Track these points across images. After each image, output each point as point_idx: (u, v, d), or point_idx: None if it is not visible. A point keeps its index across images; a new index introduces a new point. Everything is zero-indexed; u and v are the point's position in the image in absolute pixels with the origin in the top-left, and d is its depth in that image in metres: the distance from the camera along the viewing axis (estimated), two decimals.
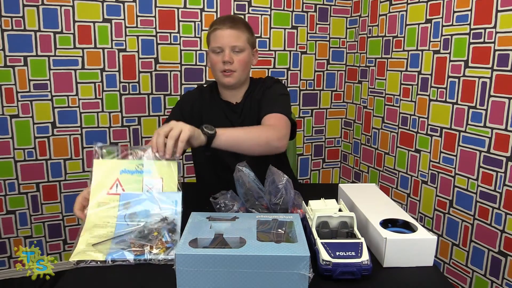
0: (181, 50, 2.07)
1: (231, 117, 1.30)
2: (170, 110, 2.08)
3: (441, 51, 1.71)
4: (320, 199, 0.91)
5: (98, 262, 0.76)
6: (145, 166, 0.89)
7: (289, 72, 2.29)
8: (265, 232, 0.76)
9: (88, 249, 0.79)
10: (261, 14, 2.16)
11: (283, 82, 1.53)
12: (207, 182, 1.37)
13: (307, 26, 2.27)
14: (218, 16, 2.08)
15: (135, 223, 0.83)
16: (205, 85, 1.42)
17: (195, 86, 2.19)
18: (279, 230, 0.77)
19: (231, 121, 1.30)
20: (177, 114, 1.32)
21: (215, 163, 1.32)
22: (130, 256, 0.77)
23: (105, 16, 1.91)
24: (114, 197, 0.86)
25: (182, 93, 2.10)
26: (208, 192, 0.99)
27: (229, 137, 1.01)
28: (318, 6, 2.27)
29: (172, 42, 2.04)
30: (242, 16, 2.11)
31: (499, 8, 1.46)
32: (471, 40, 1.57)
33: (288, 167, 1.44)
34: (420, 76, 1.84)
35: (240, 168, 0.93)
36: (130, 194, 0.87)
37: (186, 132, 0.89)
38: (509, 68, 1.44)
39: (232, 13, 2.10)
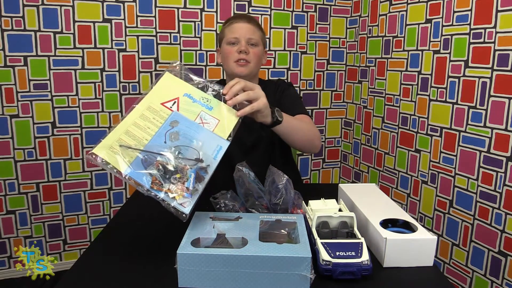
0: (181, 50, 2.07)
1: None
2: None
3: (441, 51, 1.71)
4: (320, 199, 0.91)
5: (115, 171, 0.73)
6: (210, 101, 0.87)
7: (289, 72, 2.30)
8: (268, 233, 0.76)
9: (113, 149, 0.75)
10: (261, 14, 2.16)
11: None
12: (219, 182, 1.37)
13: (307, 26, 2.27)
14: (218, 16, 2.08)
15: (172, 145, 0.79)
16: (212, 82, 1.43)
17: None
18: (282, 230, 0.77)
19: (242, 119, 1.30)
20: None
21: (227, 165, 1.32)
22: (146, 183, 0.73)
23: (105, 16, 1.92)
24: (166, 110, 0.83)
25: None
26: (216, 192, 0.99)
27: (289, 125, 1.04)
28: (318, 6, 2.27)
29: (172, 42, 2.04)
30: None
31: (499, 8, 1.46)
32: (471, 40, 1.57)
33: (294, 167, 1.45)
34: (420, 76, 1.84)
35: (240, 168, 0.93)
36: (182, 116, 0.83)
37: (260, 104, 0.90)
38: (509, 68, 1.44)
39: (232, 13, 2.10)
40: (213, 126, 0.85)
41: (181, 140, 0.80)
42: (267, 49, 1.40)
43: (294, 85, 2.32)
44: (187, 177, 0.75)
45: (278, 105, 1.30)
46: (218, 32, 2.10)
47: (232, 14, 2.10)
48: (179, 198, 0.73)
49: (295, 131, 1.09)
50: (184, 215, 0.71)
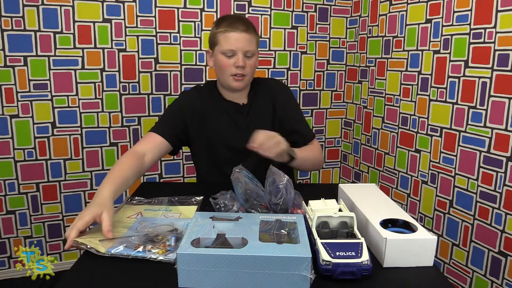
0: (181, 50, 2.07)
1: (236, 118, 1.30)
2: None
3: (441, 51, 1.71)
4: (320, 199, 0.91)
5: (98, 252, 0.78)
6: (168, 207, 1.02)
7: (289, 72, 2.30)
8: (268, 233, 0.76)
9: (93, 240, 0.81)
10: (261, 14, 2.16)
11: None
12: (208, 180, 1.37)
13: (307, 26, 2.27)
14: (218, 16, 2.08)
15: (145, 230, 0.87)
16: (201, 85, 1.40)
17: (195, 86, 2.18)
18: (282, 230, 0.77)
19: (235, 121, 1.30)
20: (177, 114, 1.29)
21: (215, 163, 1.32)
22: (129, 252, 0.78)
23: (105, 16, 1.91)
24: (132, 220, 0.94)
25: None
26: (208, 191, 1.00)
27: (300, 161, 1.21)
28: (318, 6, 2.27)
29: (172, 42, 2.04)
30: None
31: (499, 8, 1.46)
32: (471, 40, 1.57)
33: (290, 168, 1.45)
34: (420, 76, 1.84)
35: (237, 170, 0.94)
36: (147, 217, 0.95)
37: (277, 154, 1.12)
38: (509, 68, 1.44)
39: (232, 13, 2.10)
40: (177, 216, 0.96)
41: (150, 225, 0.90)
42: (259, 48, 1.40)
43: (295, 85, 2.33)
44: (168, 239, 0.82)
45: (275, 110, 1.33)
46: None
47: (237, 14, 2.10)
48: (162, 253, 0.78)
49: (304, 163, 1.25)
50: (173, 264, 0.74)
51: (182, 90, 2.10)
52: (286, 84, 2.29)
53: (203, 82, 2.13)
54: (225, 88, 1.31)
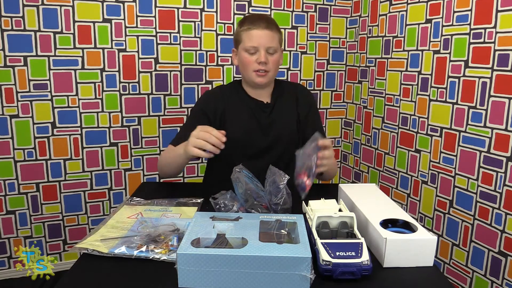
0: (181, 50, 2.07)
1: (258, 116, 1.32)
2: (172, 110, 2.09)
3: (441, 51, 1.71)
4: (320, 199, 0.91)
5: (100, 253, 0.79)
6: (168, 208, 1.02)
7: (289, 72, 2.29)
8: (268, 233, 0.76)
9: (95, 242, 0.82)
10: None
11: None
12: (218, 177, 1.37)
13: (307, 26, 2.27)
14: (218, 16, 2.08)
15: (146, 231, 0.87)
16: (225, 84, 1.43)
17: (195, 86, 2.19)
18: (282, 230, 0.77)
19: (258, 119, 1.31)
20: (200, 115, 1.31)
21: (230, 159, 1.32)
22: (131, 252, 0.78)
23: (105, 16, 1.91)
24: (132, 220, 0.95)
25: (182, 93, 2.10)
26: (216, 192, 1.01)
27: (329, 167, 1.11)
28: (318, 6, 2.27)
29: (172, 42, 2.04)
30: (242, 17, 2.12)
31: (499, 8, 1.46)
32: (471, 40, 1.57)
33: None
34: (420, 76, 1.84)
35: (237, 170, 0.94)
36: (148, 217, 0.96)
37: (326, 167, 1.04)
38: (509, 68, 1.44)
39: (232, 13, 2.10)
40: (177, 217, 0.96)
41: (151, 225, 0.91)
42: (283, 47, 1.42)
43: None
44: (170, 239, 0.83)
45: (297, 112, 1.36)
46: (218, 32, 2.10)
47: (232, 14, 2.10)
48: (165, 252, 0.78)
49: (329, 170, 1.13)
50: (175, 264, 0.74)
51: (182, 90, 2.10)
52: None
53: (203, 82, 2.13)
54: (250, 85, 1.33)
